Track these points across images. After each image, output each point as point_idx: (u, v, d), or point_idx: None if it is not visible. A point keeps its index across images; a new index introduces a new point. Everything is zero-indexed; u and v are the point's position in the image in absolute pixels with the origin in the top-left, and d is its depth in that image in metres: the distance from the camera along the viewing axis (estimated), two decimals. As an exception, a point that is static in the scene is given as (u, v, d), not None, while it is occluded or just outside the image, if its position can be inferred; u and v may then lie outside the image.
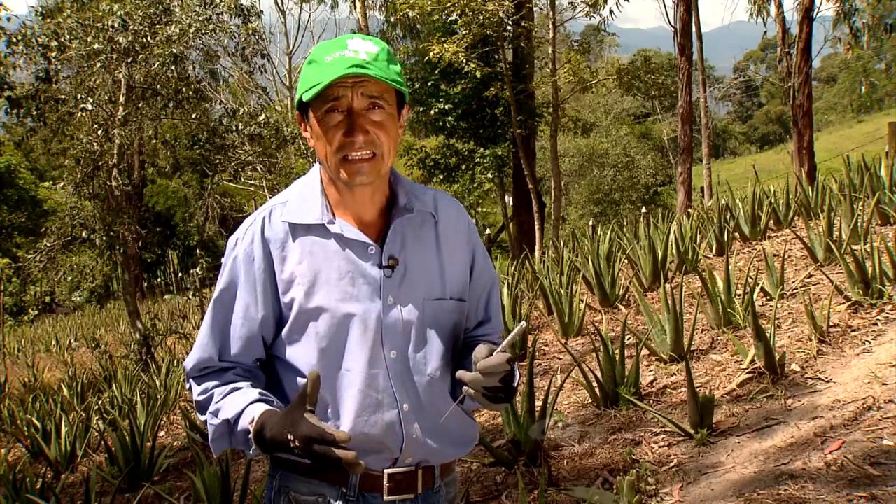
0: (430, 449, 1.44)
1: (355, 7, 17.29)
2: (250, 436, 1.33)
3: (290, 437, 1.26)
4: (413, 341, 1.44)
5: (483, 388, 1.36)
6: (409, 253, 1.45)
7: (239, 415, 1.36)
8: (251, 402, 1.36)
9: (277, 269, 1.41)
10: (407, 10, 13.01)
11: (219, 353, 1.44)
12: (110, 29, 8.29)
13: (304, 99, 1.38)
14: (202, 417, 1.46)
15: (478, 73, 13.05)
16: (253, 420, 1.33)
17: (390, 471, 1.42)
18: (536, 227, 14.22)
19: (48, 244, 8.85)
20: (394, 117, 1.41)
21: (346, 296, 1.40)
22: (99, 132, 8.37)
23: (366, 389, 1.39)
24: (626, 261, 6.39)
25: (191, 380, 1.48)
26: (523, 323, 1.44)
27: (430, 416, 1.43)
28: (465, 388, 1.37)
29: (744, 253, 6.29)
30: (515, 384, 1.44)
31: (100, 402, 6.17)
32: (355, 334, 1.40)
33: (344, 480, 1.41)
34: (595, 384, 3.74)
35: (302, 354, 1.41)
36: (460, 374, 1.39)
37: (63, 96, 8.84)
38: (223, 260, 1.47)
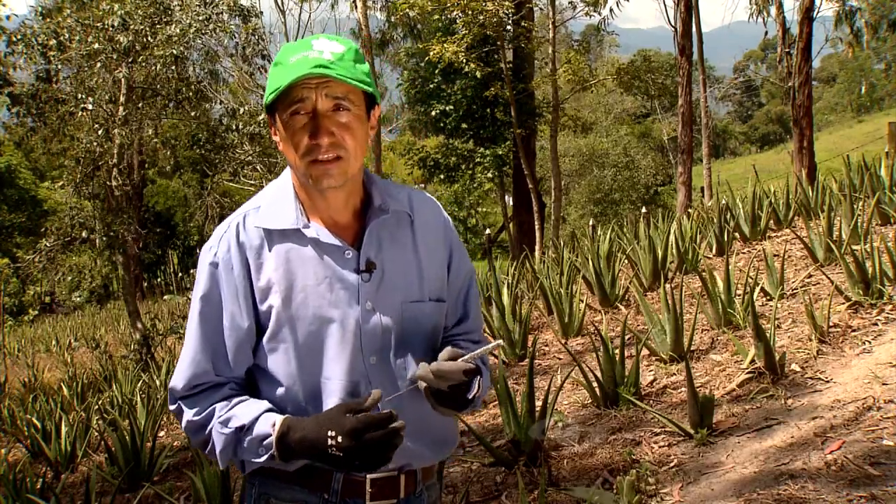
0: (413, 452, 1.42)
1: (356, 7, 17.29)
2: (270, 439, 1.31)
3: (332, 433, 1.25)
4: (393, 346, 1.41)
5: (432, 387, 1.35)
6: (386, 255, 1.43)
7: (254, 421, 1.33)
8: (266, 410, 1.35)
9: (254, 277, 1.38)
10: (407, 9, 13.01)
11: (213, 366, 1.39)
12: (110, 28, 8.30)
13: (267, 101, 1.36)
14: (195, 438, 1.39)
15: (478, 73, 13.06)
16: (275, 424, 1.31)
17: (373, 476, 1.40)
18: (536, 227, 14.22)
19: (48, 244, 8.85)
20: (361, 118, 1.38)
21: (324, 302, 1.37)
22: (99, 132, 8.38)
23: (347, 398, 1.37)
24: (626, 261, 6.39)
25: (179, 401, 1.40)
26: (500, 341, 1.41)
27: (413, 420, 1.39)
28: (416, 378, 1.36)
29: (744, 253, 6.29)
30: (471, 396, 1.39)
31: (100, 402, 6.17)
32: (334, 341, 1.38)
33: (326, 486, 1.39)
34: (595, 384, 3.74)
35: (281, 364, 1.38)
36: (420, 365, 1.37)
37: (63, 96, 8.84)
38: (198, 270, 1.42)
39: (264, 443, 1.32)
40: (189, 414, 1.38)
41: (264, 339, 1.39)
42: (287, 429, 1.30)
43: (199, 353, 1.39)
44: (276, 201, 1.42)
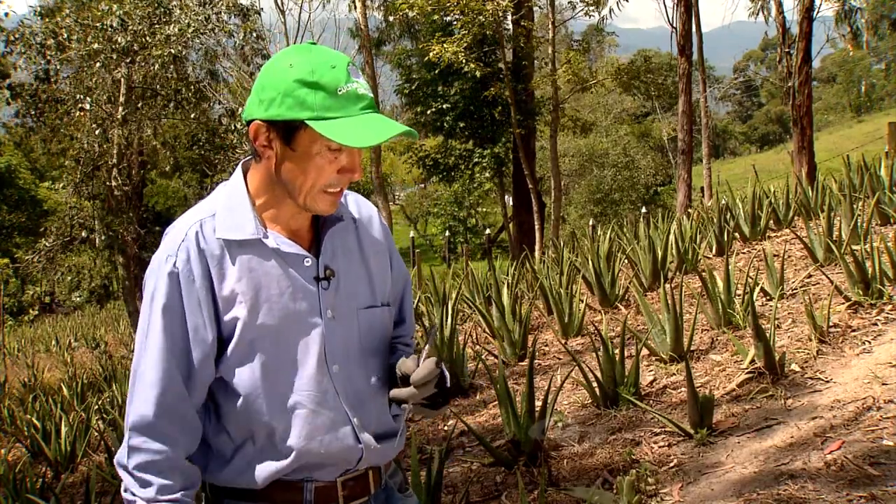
0: (379, 452, 1.44)
1: (355, 7, 17.29)
2: None
3: None
4: (354, 353, 1.42)
5: (422, 399, 1.36)
6: (340, 262, 1.43)
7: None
8: (181, 489, 1.32)
9: (217, 287, 1.34)
10: (406, 9, 13.02)
11: (182, 381, 1.33)
12: (109, 29, 8.29)
13: (328, 136, 1.27)
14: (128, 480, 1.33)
15: (477, 73, 13.07)
16: None
17: (343, 479, 1.41)
18: (536, 227, 14.23)
19: (48, 244, 8.85)
20: None
21: (288, 312, 1.36)
22: (97, 132, 8.38)
23: (317, 408, 1.37)
24: (626, 261, 6.39)
25: (136, 438, 1.32)
26: (434, 326, 1.43)
27: (379, 425, 1.42)
28: (403, 405, 1.37)
29: (744, 253, 6.29)
30: (448, 385, 1.44)
31: (100, 402, 6.17)
32: (300, 352, 1.37)
33: (298, 498, 1.39)
34: (595, 384, 3.74)
35: (245, 376, 1.35)
36: (394, 393, 1.38)
37: (62, 96, 8.84)
38: (152, 280, 1.35)
39: None
40: (139, 458, 1.32)
41: (228, 352, 1.35)
42: None
43: (171, 367, 1.32)
44: (231, 209, 1.38)
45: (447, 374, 1.44)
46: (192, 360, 1.33)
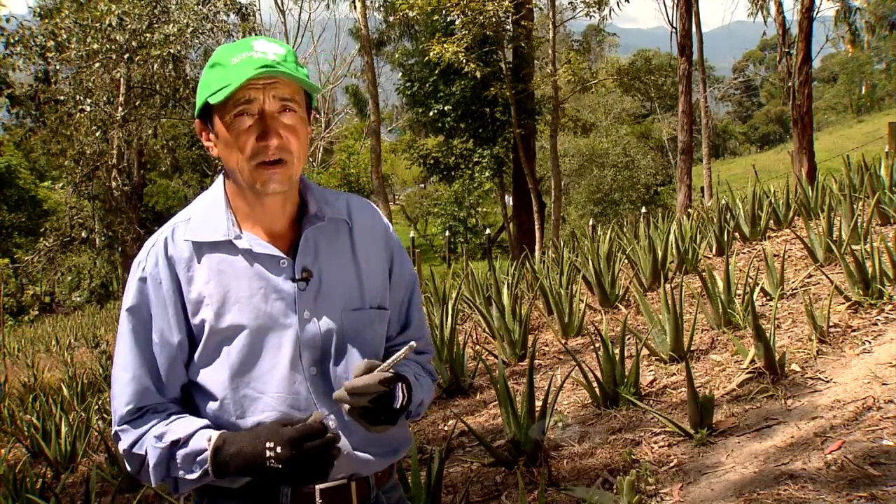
0: (361, 461, 1.40)
1: (355, 7, 17.29)
2: (205, 455, 1.28)
3: (270, 444, 1.24)
4: (333, 355, 1.39)
5: (358, 407, 1.31)
6: (324, 263, 1.40)
7: (190, 436, 1.31)
8: (203, 427, 1.32)
9: (185, 290, 1.36)
10: (406, 10, 13.02)
11: (153, 382, 1.36)
12: (109, 28, 8.30)
13: (212, 102, 1.32)
14: (133, 462, 1.36)
15: (478, 73, 13.08)
16: (210, 439, 1.29)
17: (322, 486, 1.37)
18: (536, 227, 14.24)
19: (48, 244, 8.86)
20: (304, 120, 1.38)
21: (259, 313, 1.35)
22: (97, 133, 8.39)
23: (287, 410, 1.35)
24: (626, 261, 6.39)
25: (124, 426, 1.35)
26: (412, 343, 1.36)
27: (358, 429, 1.37)
28: (336, 400, 1.34)
29: (744, 253, 6.28)
30: (398, 406, 1.36)
31: (100, 402, 6.17)
32: (272, 353, 1.35)
33: (274, 500, 1.37)
34: (595, 384, 3.74)
35: (215, 378, 1.35)
36: (335, 393, 1.35)
37: (62, 97, 8.84)
38: (127, 285, 1.39)
39: (198, 458, 1.29)
40: (132, 437, 1.34)
41: (197, 353, 1.36)
42: (222, 442, 1.28)
43: (138, 369, 1.35)
44: (207, 213, 1.39)
45: (399, 395, 1.37)
46: (159, 363, 1.36)
